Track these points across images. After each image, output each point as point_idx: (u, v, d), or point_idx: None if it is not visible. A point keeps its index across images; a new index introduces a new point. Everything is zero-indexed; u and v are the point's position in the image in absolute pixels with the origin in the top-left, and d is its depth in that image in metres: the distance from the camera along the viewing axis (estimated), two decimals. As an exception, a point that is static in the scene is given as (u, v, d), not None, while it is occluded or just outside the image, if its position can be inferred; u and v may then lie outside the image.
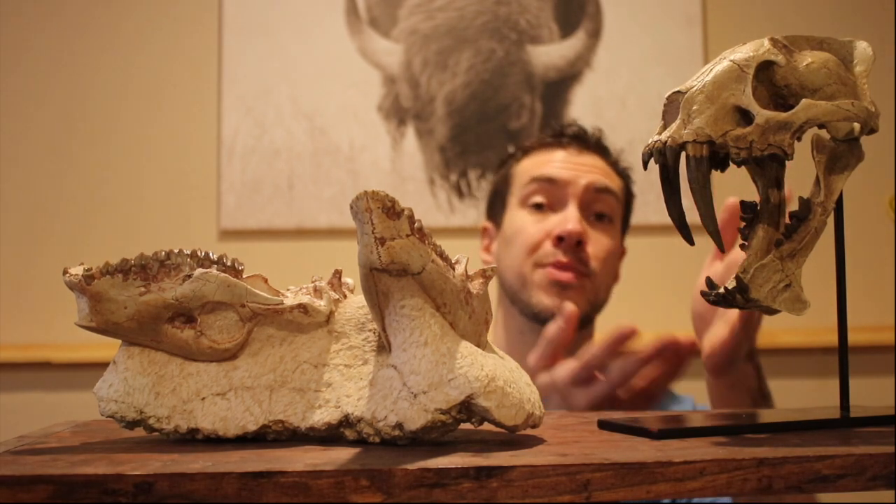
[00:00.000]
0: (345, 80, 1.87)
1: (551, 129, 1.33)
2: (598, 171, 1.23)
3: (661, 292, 1.80)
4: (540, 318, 1.19)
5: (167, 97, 1.87)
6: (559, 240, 1.17)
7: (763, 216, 0.61)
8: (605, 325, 1.30)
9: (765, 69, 0.58)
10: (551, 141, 1.27)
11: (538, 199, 1.22)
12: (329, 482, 0.46)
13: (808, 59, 0.59)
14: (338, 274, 0.61)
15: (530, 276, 1.20)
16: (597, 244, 1.20)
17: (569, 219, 1.18)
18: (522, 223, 1.22)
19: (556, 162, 1.23)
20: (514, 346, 1.22)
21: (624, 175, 1.29)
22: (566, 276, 1.18)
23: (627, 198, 1.29)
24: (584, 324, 1.21)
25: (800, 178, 0.66)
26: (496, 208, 1.30)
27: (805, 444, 0.53)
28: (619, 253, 1.26)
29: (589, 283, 1.20)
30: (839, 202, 0.62)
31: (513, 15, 1.89)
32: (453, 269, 0.55)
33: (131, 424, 0.57)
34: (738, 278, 0.58)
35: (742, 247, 0.61)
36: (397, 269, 0.52)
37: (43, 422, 0.71)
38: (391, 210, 0.51)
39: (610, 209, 1.23)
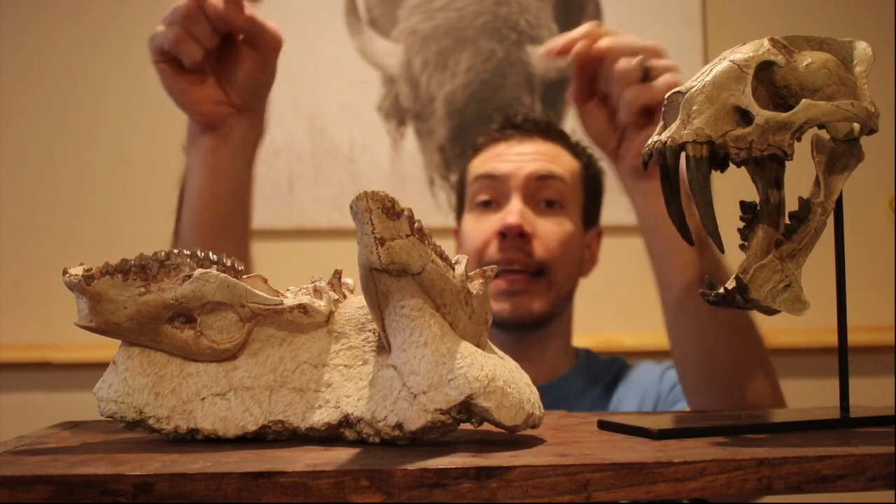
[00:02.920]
0: (345, 80, 1.87)
1: (496, 122, 1.30)
2: (542, 158, 1.20)
3: (661, 292, 1.79)
4: (495, 324, 1.15)
5: (168, 97, 1.86)
6: (502, 236, 1.15)
7: (763, 216, 0.61)
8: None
9: (765, 69, 0.58)
10: (496, 135, 1.24)
11: (483, 197, 1.20)
12: (329, 482, 0.46)
13: (807, 59, 0.59)
14: (338, 274, 0.61)
15: None
16: (546, 234, 1.17)
17: (510, 212, 1.15)
18: (470, 226, 1.21)
19: (499, 156, 1.21)
20: None
21: (583, 155, 1.25)
22: (506, 283, 1.15)
23: (589, 177, 1.25)
24: (547, 321, 1.19)
25: (800, 178, 0.66)
26: (459, 211, 1.28)
27: (805, 444, 0.53)
28: (578, 237, 1.22)
29: (544, 280, 1.17)
30: (839, 202, 0.62)
31: (513, 15, 1.89)
32: (453, 269, 0.55)
33: (131, 425, 0.57)
34: (737, 278, 0.58)
35: (742, 247, 0.61)
36: (397, 269, 0.52)
37: (43, 422, 0.71)
38: (391, 210, 0.51)
39: (558, 195, 1.19)
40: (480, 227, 1.19)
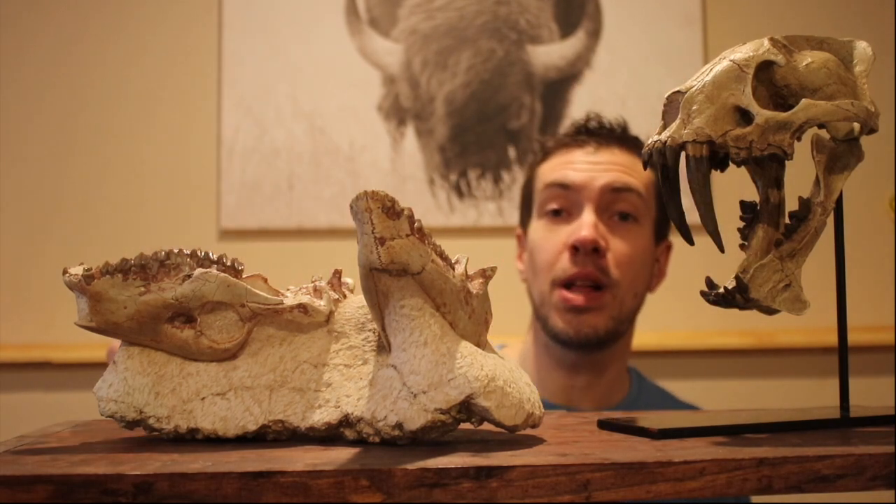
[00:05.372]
0: (345, 80, 1.87)
1: (571, 126, 1.24)
2: (618, 168, 1.15)
3: (661, 292, 1.79)
4: (558, 340, 1.15)
5: (167, 97, 1.87)
6: (574, 250, 1.11)
7: (763, 216, 0.61)
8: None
9: (765, 69, 0.58)
10: (569, 140, 1.20)
11: (554, 206, 1.16)
12: (329, 482, 0.46)
13: (807, 59, 0.59)
14: (338, 274, 0.61)
15: (549, 297, 1.14)
16: (618, 249, 1.13)
17: (583, 225, 1.11)
18: (539, 235, 1.17)
19: (572, 164, 1.16)
20: (540, 357, 1.19)
21: None
22: (579, 299, 1.12)
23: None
24: (611, 341, 1.16)
25: (800, 178, 0.66)
26: (524, 215, 1.24)
27: (805, 444, 0.53)
28: (650, 254, 1.18)
29: (609, 296, 1.13)
30: (839, 202, 0.62)
31: (513, 15, 1.89)
32: (453, 269, 0.55)
33: (131, 424, 0.57)
34: (737, 278, 0.58)
35: (742, 247, 0.61)
36: (397, 269, 0.52)
37: (43, 422, 0.71)
38: (391, 210, 0.51)
39: (633, 208, 1.15)
40: (551, 239, 1.15)
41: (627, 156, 1.18)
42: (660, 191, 1.19)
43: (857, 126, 0.61)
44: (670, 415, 0.77)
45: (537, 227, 1.18)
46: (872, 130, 0.60)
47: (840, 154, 0.61)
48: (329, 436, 0.57)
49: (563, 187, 1.15)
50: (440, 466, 0.46)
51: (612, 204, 1.15)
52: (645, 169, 0.62)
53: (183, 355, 0.57)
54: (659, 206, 1.20)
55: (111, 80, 1.87)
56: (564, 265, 1.13)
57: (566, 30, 1.89)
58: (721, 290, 0.59)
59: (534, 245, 1.18)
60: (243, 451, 0.53)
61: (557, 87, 1.88)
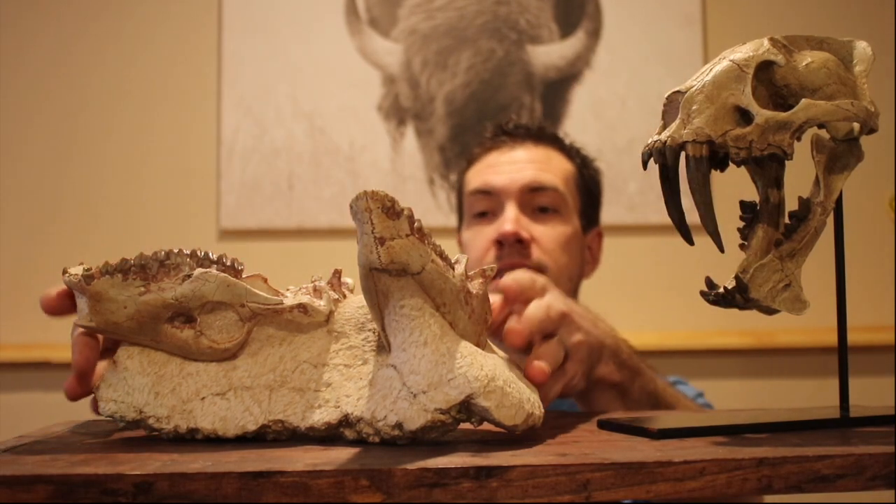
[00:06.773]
0: (345, 80, 1.87)
1: (488, 130, 1.31)
2: (535, 166, 1.21)
3: (661, 292, 1.80)
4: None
5: (167, 97, 1.87)
6: (500, 244, 1.16)
7: (763, 216, 0.61)
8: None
9: (764, 69, 0.58)
10: (489, 143, 1.26)
11: (479, 209, 1.22)
12: (329, 482, 0.46)
13: (807, 58, 0.59)
14: (337, 274, 0.61)
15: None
16: (544, 238, 1.18)
17: (505, 220, 1.17)
18: (469, 238, 1.23)
19: (492, 167, 1.22)
20: None
21: (576, 156, 1.26)
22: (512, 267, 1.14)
23: (585, 179, 1.26)
24: None
25: (800, 178, 0.66)
26: (459, 219, 1.30)
27: (805, 443, 0.53)
28: (577, 241, 1.22)
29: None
30: (839, 202, 0.62)
31: (513, 15, 1.89)
32: (453, 268, 0.55)
33: (131, 424, 0.57)
34: (737, 278, 0.58)
35: (742, 247, 0.61)
36: (397, 268, 0.52)
37: (43, 422, 0.71)
38: (391, 210, 0.51)
39: (552, 202, 1.20)
40: (478, 239, 1.20)
41: (543, 150, 1.23)
42: (580, 181, 1.23)
43: (856, 126, 0.61)
44: (671, 415, 0.77)
45: (467, 230, 1.24)
46: (872, 130, 0.60)
47: (840, 154, 0.61)
48: (329, 436, 0.57)
49: (486, 193, 1.21)
50: (440, 466, 0.46)
51: (532, 200, 1.20)
52: (645, 168, 0.62)
53: (183, 355, 0.57)
54: (583, 196, 1.25)
55: (112, 79, 1.87)
56: (490, 260, 1.17)
57: (566, 30, 1.89)
58: (721, 290, 0.59)
59: (465, 247, 1.23)
60: (243, 451, 0.53)
61: (557, 87, 1.88)
